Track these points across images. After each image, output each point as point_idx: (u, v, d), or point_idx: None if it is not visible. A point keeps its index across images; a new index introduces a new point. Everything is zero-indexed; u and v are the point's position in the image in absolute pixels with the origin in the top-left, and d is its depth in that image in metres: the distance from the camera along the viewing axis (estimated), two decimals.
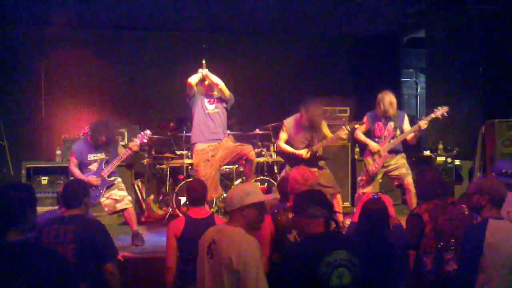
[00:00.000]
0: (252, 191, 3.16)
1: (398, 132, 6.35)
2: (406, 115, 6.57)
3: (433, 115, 6.25)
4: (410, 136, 6.33)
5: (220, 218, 4.41)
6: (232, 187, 6.84)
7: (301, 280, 2.83)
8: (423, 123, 6.20)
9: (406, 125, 6.42)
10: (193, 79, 6.15)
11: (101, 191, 5.81)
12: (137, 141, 5.95)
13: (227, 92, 6.19)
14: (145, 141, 6.11)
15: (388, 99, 6.31)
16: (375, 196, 4.04)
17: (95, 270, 3.63)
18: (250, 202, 3.09)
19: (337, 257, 2.85)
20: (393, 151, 6.34)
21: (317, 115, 6.21)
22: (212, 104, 6.23)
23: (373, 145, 6.35)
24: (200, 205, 4.36)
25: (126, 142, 7.47)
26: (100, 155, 5.89)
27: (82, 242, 3.58)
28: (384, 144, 6.31)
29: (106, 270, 3.66)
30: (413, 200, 6.16)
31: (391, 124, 6.36)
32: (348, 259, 2.86)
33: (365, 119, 6.47)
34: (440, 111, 6.23)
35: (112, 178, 5.91)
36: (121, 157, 5.90)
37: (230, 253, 2.93)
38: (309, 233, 3.02)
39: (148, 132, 6.06)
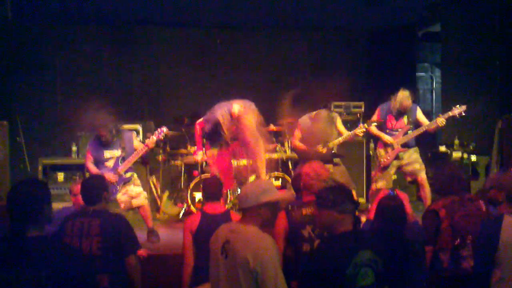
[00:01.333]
0: (267, 188, 3.08)
1: (411, 126, 6.32)
2: (418, 107, 6.51)
3: (450, 113, 6.18)
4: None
5: (236, 215, 4.41)
6: (247, 183, 6.83)
7: (330, 280, 2.80)
8: (441, 121, 6.12)
9: (420, 117, 6.37)
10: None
11: (118, 187, 5.83)
12: (153, 138, 5.94)
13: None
14: (162, 138, 6.11)
15: (405, 96, 6.24)
16: (392, 193, 4.03)
17: (118, 263, 3.67)
18: (266, 200, 3.01)
19: (362, 257, 2.79)
20: (406, 145, 6.31)
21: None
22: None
23: (386, 137, 6.34)
24: (216, 201, 4.36)
25: (142, 138, 7.51)
26: (116, 152, 5.90)
27: (107, 235, 3.62)
28: (397, 138, 6.29)
29: (128, 263, 3.71)
30: (427, 196, 6.13)
31: (404, 118, 6.33)
32: (372, 258, 2.81)
33: (377, 111, 6.47)
34: (458, 110, 6.15)
35: (129, 174, 5.94)
36: (138, 153, 5.91)
37: (246, 253, 2.87)
38: (340, 230, 2.95)
39: (164, 129, 6.04)
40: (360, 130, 6.19)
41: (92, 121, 5.89)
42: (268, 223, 3.10)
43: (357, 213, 3.27)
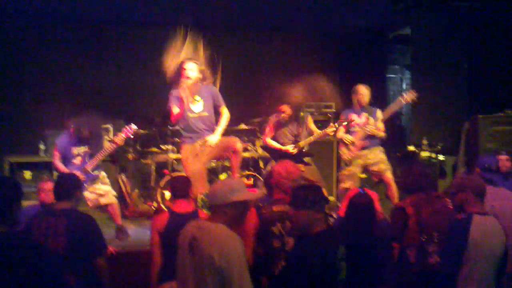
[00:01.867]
0: (237, 188, 3.09)
1: (371, 120, 6.48)
2: (378, 110, 6.67)
3: (402, 100, 6.49)
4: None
5: (204, 214, 4.39)
6: (216, 181, 6.80)
7: (315, 277, 2.85)
8: (386, 114, 6.45)
9: (379, 117, 6.54)
10: (177, 117, 5.78)
11: (85, 184, 5.75)
12: (122, 135, 5.86)
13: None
14: (131, 135, 6.04)
15: (362, 91, 6.52)
16: (362, 191, 4.07)
17: (85, 263, 3.63)
18: (234, 200, 3.02)
19: (340, 252, 2.89)
20: (371, 144, 6.45)
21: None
22: (199, 104, 5.83)
23: (346, 136, 6.48)
24: (184, 198, 4.32)
25: (112, 137, 7.43)
26: (84, 148, 5.84)
27: (73, 235, 3.56)
28: (357, 134, 6.40)
29: (96, 263, 3.66)
30: (395, 195, 6.27)
31: (364, 114, 6.53)
32: (345, 253, 2.90)
33: (341, 117, 6.64)
34: (410, 97, 6.43)
35: (96, 172, 5.87)
36: (105, 150, 5.84)
37: (212, 250, 2.88)
38: (317, 229, 3.05)
39: (133, 126, 5.97)
40: (330, 129, 6.29)
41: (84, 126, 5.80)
42: (236, 222, 3.10)
43: (326, 210, 3.33)
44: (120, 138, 5.83)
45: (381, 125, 6.49)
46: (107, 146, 5.88)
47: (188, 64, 5.73)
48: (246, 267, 2.92)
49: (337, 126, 6.35)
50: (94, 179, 5.84)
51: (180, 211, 4.21)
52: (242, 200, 3.06)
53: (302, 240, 3.27)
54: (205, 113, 5.82)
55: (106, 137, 6.48)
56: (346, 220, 3.85)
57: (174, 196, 4.39)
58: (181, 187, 4.34)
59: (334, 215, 4.76)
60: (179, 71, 5.73)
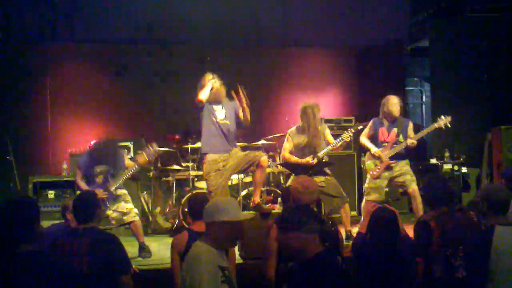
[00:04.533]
0: (225, 208, 3.02)
1: (401, 138, 6.35)
2: (411, 122, 6.59)
3: (436, 125, 6.32)
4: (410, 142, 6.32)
5: None
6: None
7: None
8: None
9: (410, 132, 6.43)
10: (204, 96, 5.85)
11: (108, 203, 5.81)
12: (145, 157, 5.91)
13: (249, 117, 5.95)
14: (152, 160, 6.09)
15: (392, 100, 6.36)
16: (382, 206, 4.04)
17: (110, 283, 3.60)
18: (219, 220, 2.97)
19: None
20: (395, 157, 6.32)
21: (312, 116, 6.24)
22: (222, 112, 5.95)
23: (374, 150, 6.36)
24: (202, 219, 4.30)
25: (132, 155, 7.49)
26: (106, 167, 5.90)
27: (97, 255, 3.55)
28: (386, 150, 6.31)
29: (121, 283, 3.63)
30: (419, 208, 6.13)
31: (394, 130, 6.37)
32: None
33: (370, 123, 6.49)
34: (443, 121, 6.28)
35: (119, 192, 5.92)
36: (129, 171, 5.90)
37: (187, 267, 2.97)
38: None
39: (156, 148, 6.02)
40: (347, 134, 6.17)
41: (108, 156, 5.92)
42: (224, 243, 3.08)
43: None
44: (144, 160, 5.89)
45: (411, 138, 6.32)
46: (130, 165, 5.94)
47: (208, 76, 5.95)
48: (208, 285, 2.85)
49: (352, 131, 6.25)
50: (116, 198, 5.88)
51: (199, 230, 4.18)
52: (226, 221, 2.97)
53: (298, 267, 3.01)
54: (227, 121, 5.93)
55: (127, 156, 6.53)
56: (369, 236, 3.81)
57: (193, 217, 4.36)
58: (198, 208, 4.30)
59: (354, 230, 4.71)
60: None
